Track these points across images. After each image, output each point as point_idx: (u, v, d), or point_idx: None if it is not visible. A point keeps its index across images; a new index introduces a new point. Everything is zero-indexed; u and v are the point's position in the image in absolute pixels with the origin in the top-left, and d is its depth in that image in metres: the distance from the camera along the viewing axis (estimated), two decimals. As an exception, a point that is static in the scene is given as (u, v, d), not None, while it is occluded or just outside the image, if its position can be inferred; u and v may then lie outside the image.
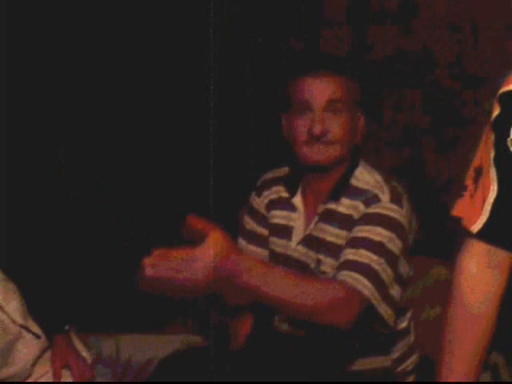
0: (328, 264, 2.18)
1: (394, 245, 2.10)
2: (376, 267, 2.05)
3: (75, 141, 3.34)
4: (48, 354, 2.32)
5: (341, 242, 2.15)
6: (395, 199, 2.13)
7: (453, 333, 1.66)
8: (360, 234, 2.09)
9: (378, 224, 2.09)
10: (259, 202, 2.38)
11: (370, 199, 2.14)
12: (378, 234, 2.09)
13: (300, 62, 2.35)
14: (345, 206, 2.17)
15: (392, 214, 2.11)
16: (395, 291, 2.10)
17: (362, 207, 2.14)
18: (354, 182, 2.19)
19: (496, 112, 1.58)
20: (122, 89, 3.35)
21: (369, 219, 2.11)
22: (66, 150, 3.33)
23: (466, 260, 1.64)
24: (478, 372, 1.65)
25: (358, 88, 2.22)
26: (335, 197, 2.19)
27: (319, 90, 2.16)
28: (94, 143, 3.36)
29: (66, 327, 2.31)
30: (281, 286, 1.89)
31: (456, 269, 1.65)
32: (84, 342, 2.32)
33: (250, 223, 2.40)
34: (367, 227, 2.09)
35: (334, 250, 2.17)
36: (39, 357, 2.32)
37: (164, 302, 2.50)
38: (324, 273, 2.18)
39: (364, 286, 2.02)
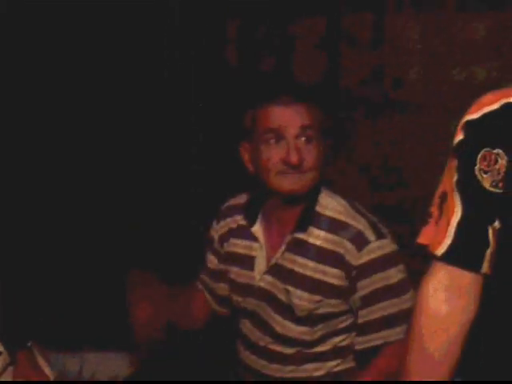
0: (297, 296, 2.17)
1: (403, 271, 2.16)
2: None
3: (54, 144, 3.32)
4: (10, 371, 2.29)
5: (312, 273, 2.15)
6: (378, 232, 2.15)
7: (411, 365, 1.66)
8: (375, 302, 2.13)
9: (386, 269, 2.12)
10: (217, 230, 2.37)
11: (358, 240, 2.12)
12: (393, 276, 2.13)
13: (267, 89, 2.29)
14: (318, 237, 2.16)
15: (387, 251, 2.14)
16: None
17: (350, 247, 2.12)
18: (319, 209, 2.18)
19: (458, 138, 1.60)
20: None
21: (375, 268, 2.12)
22: (44, 153, 3.31)
23: (430, 284, 1.64)
24: None
25: (323, 115, 2.19)
26: (303, 226, 2.16)
27: (291, 117, 2.11)
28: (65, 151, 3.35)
29: (29, 343, 2.28)
30: None
31: (419, 295, 1.66)
32: (47, 359, 2.29)
33: (213, 261, 2.41)
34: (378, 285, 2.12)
35: (303, 281, 2.16)
36: (1, 373, 2.29)
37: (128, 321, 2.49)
38: (295, 307, 2.17)
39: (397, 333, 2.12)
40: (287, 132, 2.10)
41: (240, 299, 2.30)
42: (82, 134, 3.37)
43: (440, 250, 1.61)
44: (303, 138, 2.12)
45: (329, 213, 2.17)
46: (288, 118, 2.10)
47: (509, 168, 1.52)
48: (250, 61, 3.52)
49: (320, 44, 3.41)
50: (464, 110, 1.63)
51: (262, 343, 2.25)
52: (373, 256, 2.11)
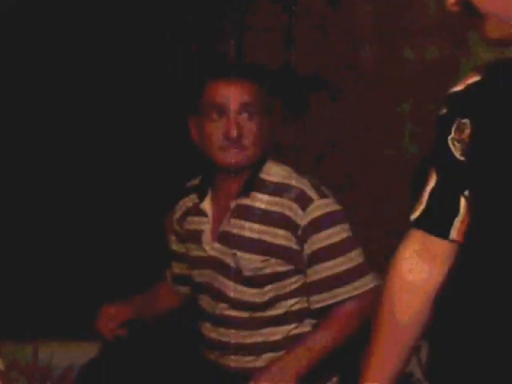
0: (246, 258, 2.22)
1: (347, 229, 2.22)
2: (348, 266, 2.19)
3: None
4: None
5: (258, 236, 2.21)
6: (321, 192, 2.22)
7: (379, 338, 1.69)
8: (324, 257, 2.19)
9: (329, 227, 2.18)
10: (176, 211, 2.43)
11: (302, 199, 2.19)
12: (337, 234, 2.19)
13: (213, 67, 2.39)
14: (262, 201, 2.23)
15: (330, 209, 2.21)
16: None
17: (294, 207, 2.19)
18: (263, 175, 2.25)
19: (440, 112, 1.63)
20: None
21: (319, 226, 2.18)
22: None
23: (402, 248, 1.69)
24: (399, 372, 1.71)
25: (266, 94, 2.26)
26: (246, 192, 2.24)
27: (233, 93, 2.19)
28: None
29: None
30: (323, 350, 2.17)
31: (393, 257, 1.69)
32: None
33: (171, 242, 2.46)
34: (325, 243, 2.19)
35: (250, 244, 2.22)
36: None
37: (84, 309, 2.48)
38: (243, 270, 2.22)
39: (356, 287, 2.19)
40: (229, 108, 2.18)
41: (195, 273, 2.35)
42: (76, 128, 3.35)
43: (413, 216, 1.66)
44: (245, 114, 2.19)
45: (272, 178, 2.24)
46: (230, 94, 2.18)
47: (471, 138, 1.55)
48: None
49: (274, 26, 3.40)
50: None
51: (218, 311, 2.29)
52: (316, 214, 2.18)
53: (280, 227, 2.19)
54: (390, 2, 3.19)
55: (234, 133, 2.16)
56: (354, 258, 2.20)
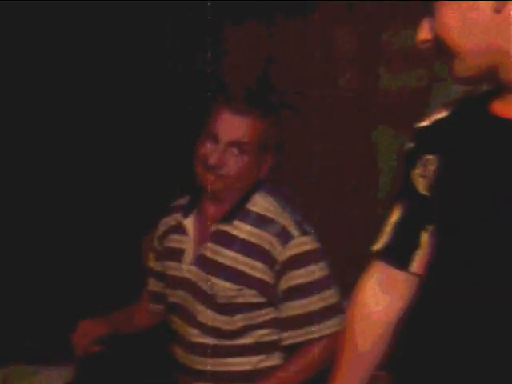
0: (220, 285, 2.24)
1: (324, 268, 2.24)
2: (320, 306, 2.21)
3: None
4: None
5: (235, 264, 2.23)
6: (302, 229, 2.24)
7: (342, 365, 1.75)
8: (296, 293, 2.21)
9: (307, 265, 2.21)
10: (159, 228, 2.46)
11: (283, 235, 2.21)
12: (313, 272, 2.21)
13: (222, 95, 2.37)
14: (243, 230, 2.25)
15: (310, 248, 2.22)
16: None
17: (275, 242, 2.21)
18: (248, 206, 2.28)
19: (407, 145, 1.67)
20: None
21: (296, 263, 2.20)
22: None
23: (365, 279, 1.73)
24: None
25: (267, 130, 2.27)
26: (228, 218, 2.26)
27: (228, 127, 2.21)
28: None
29: None
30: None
31: (355, 288, 1.74)
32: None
33: (151, 260, 2.50)
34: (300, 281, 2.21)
35: (226, 271, 2.24)
36: None
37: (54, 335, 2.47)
38: (217, 296, 2.24)
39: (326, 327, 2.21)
40: (221, 139, 2.22)
41: (170, 292, 2.38)
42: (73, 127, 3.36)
43: (375, 247, 1.70)
44: (235, 148, 2.22)
45: (256, 209, 2.27)
46: (226, 127, 2.22)
47: (437, 174, 1.57)
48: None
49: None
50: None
51: (188, 337, 2.31)
52: (296, 251, 2.20)
53: (257, 259, 2.21)
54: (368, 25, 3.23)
55: (212, 161, 2.20)
56: (329, 297, 2.22)
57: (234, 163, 2.22)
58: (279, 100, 3.34)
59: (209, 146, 2.23)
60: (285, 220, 2.23)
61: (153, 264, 2.49)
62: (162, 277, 2.44)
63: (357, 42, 3.25)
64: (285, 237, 2.21)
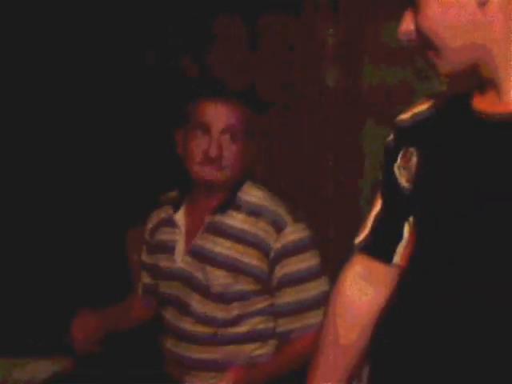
0: (215, 274, 2.28)
1: (317, 256, 2.29)
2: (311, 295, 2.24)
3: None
4: None
5: (229, 252, 2.27)
6: (295, 217, 2.28)
7: (322, 357, 1.74)
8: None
9: (302, 252, 2.25)
10: (149, 221, 2.50)
11: (277, 223, 2.26)
12: (308, 259, 2.26)
13: (201, 85, 2.46)
14: (237, 219, 2.29)
15: (303, 235, 2.27)
16: None
17: (270, 229, 2.25)
18: (241, 195, 2.31)
19: (390, 138, 1.67)
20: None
21: (291, 250, 2.25)
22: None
23: (346, 271, 1.73)
24: None
25: (252, 117, 2.34)
26: (222, 209, 2.30)
27: (218, 115, 2.26)
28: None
29: None
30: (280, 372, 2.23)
31: (336, 280, 1.74)
32: None
33: (144, 253, 2.52)
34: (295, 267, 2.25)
35: (221, 259, 2.28)
36: None
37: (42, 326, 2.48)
38: (212, 285, 2.27)
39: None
40: (213, 128, 2.25)
41: (163, 284, 2.40)
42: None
43: (357, 240, 1.71)
44: (227, 136, 2.26)
45: (250, 198, 2.31)
46: (216, 115, 2.26)
47: (418, 167, 1.58)
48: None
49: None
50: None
51: (182, 325, 2.33)
52: (290, 238, 2.25)
53: (252, 247, 2.25)
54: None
55: (213, 152, 2.24)
56: (323, 283, 2.26)
57: (230, 151, 2.27)
58: (265, 94, 3.37)
59: (200, 137, 2.26)
60: (278, 207, 2.27)
61: (144, 257, 2.52)
62: (153, 269, 2.46)
63: (341, 38, 3.27)
64: (279, 224, 2.25)
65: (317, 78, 3.31)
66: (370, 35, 3.18)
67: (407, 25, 1.49)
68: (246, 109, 2.31)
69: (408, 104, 1.68)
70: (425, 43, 1.48)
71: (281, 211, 2.27)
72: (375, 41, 3.17)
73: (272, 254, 2.24)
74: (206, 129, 2.25)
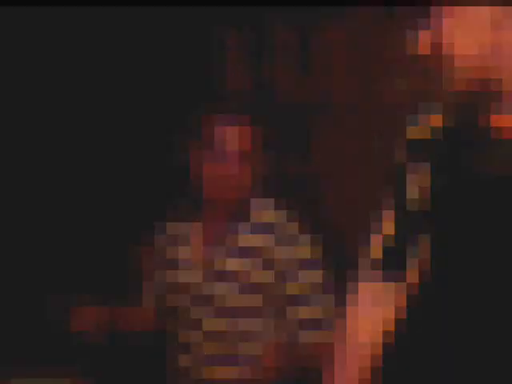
0: (224, 289, 2.32)
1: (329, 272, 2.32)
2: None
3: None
4: None
5: (240, 269, 2.31)
6: (304, 229, 2.32)
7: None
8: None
9: (312, 268, 2.29)
10: (160, 235, 2.51)
11: (286, 236, 2.30)
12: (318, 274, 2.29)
13: (216, 104, 2.47)
14: (247, 235, 2.33)
15: (314, 248, 2.32)
16: None
17: (279, 245, 2.30)
18: (250, 210, 2.35)
19: (402, 155, 1.68)
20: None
21: (302, 264, 2.28)
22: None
23: (360, 288, 1.72)
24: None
25: (262, 137, 2.38)
26: (232, 226, 2.34)
27: (234, 136, 2.31)
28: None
29: None
30: None
31: (351, 293, 1.73)
32: None
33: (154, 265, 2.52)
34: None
35: (231, 276, 2.32)
36: None
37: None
38: (222, 300, 2.31)
39: None
40: (228, 148, 2.30)
41: (171, 298, 2.43)
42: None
43: (370, 256, 1.71)
44: (241, 156, 2.31)
45: (258, 214, 2.34)
46: (232, 136, 2.31)
47: (431, 186, 1.60)
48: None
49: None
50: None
51: (193, 340, 2.36)
52: (301, 252, 2.29)
53: (262, 262, 2.29)
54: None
55: (226, 171, 2.29)
56: (327, 300, 2.28)
57: (242, 169, 2.31)
58: (277, 110, 3.35)
59: (214, 156, 2.29)
60: (287, 222, 2.30)
61: (157, 272, 2.52)
62: (165, 284, 2.46)
63: (356, 52, 3.25)
64: (289, 240, 2.28)
65: (333, 91, 3.28)
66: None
67: (423, 45, 1.54)
68: (260, 129, 2.35)
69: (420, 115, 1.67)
70: (438, 61, 1.53)
71: (291, 227, 2.28)
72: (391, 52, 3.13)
73: (282, 268, 2.26)
74: (221, 148, 2.29)
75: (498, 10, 1.47)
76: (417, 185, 1.62)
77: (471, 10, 1.48)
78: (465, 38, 1.49)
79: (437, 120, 1.64)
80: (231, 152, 2.30)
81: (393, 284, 1.69)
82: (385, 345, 1.71)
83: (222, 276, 2.31)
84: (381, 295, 1.72)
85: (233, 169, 2.30)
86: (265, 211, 2.33)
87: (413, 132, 1.67)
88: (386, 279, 1.71)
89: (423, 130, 1.65)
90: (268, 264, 2.28)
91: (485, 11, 1.48)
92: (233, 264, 2.31)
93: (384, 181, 1.76)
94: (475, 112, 1.57)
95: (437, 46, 1.52)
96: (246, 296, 2.29)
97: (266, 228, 2.30)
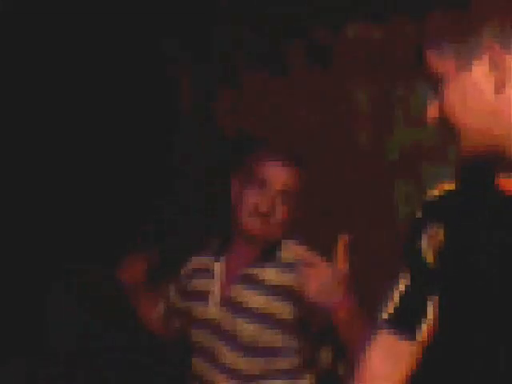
0: (244, 326, 2.30)
1: None
2: None
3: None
4: None
5: (262, 308, 2.30)
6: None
7: None
8: None
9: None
10: (187, 266, 2.55)
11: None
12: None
13: (269, 148, 2.47)
14: (271, 274, 2.33)
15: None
16: None
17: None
18: (279, 250, 2.37)
19: (417, 215, 1.70)
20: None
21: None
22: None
23: (373, 344, 1.73)
24: None
25: (301, 179, 2.40)
26: (259, 263, 2.35)
27: (278, 176, 2.35)
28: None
29: None
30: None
31: (364, 353, 1.74)
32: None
33: (173, 296, 2.56)
34: None
35: (253, 314, 2.31)
36: None
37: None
38: (241, 338, 2.30)
39: None
40: (271, 186, 2.34)
41: (193, 332, 2.43)
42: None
43: (383, 315, 1.71)
44: (282, 196, 2.35)
45: (287, 254, 2.34)
46: (276, 176, 2.35)
47: (444, 245, 1.60)
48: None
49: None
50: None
51: (210, 378, 2.35)
52: None
53: (285, 302, 2.28)
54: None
55: (266, 208, 2.32)
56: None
57: (280, 210, 2.34)
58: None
59: (256, 192, 2.33)
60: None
61: (178, 301, 2.54)
62: (185, 315, 2.48)
63: (372, 96, 3.26)
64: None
65: (347, 136, 3.30)
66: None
67: (432, 113, 1.58)
68: (301, 171, 2.39)
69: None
70: (448, 127, 1.56)
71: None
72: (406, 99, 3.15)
73: (305, 311, 2.25)
74: (264, 186, 2.34)
75: (501, 73, 1.48)
76: (431, 247, 1.62)
77: (472, 75, 1.51)
78: (465, 106, 1.52)
79: (450, 184, 1.66)
80: (278, 191, 2.33)
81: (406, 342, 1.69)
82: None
83: (242, 312, 2.31)
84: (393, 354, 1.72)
85: (276, 208, 2.33)
86: (291, 251, 2.31)
87: (428, 195, 1.69)
88: (399, 337, 1.71)
89: (438, 193, 1.66)
90: (292, 302, 2.27)
91: (487, 76, 1.50)
92: (254, 300, 2.31)
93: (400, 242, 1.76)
94: (487, 176, 1.58)
95: (442, 112, 1.55)
96: (266, 333, 2.29)
97: (292, 267, 2.28)
